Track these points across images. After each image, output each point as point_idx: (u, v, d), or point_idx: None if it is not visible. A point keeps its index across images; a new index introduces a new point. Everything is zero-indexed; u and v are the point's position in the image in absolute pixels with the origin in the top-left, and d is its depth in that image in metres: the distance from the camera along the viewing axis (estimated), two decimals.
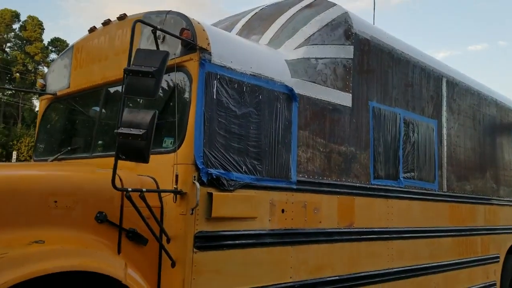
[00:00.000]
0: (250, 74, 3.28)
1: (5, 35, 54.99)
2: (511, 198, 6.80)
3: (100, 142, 3.74)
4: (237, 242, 3.10)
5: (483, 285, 5.92)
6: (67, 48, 4.32)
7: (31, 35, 54.69)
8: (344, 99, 4.04)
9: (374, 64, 4.43)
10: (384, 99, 4.53)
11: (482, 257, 5.94)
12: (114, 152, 3.24)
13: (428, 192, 5.04)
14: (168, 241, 2.87)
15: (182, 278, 2.81)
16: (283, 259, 3.42)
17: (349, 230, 3.99)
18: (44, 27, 56.89)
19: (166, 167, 2.94)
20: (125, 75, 2.41)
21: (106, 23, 3.80)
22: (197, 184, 2.85)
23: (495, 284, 6.18)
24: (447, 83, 5.51)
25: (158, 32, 3.08)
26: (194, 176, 2.88)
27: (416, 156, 4.89)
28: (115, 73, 3.54)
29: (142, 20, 2.71)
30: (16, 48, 55.51)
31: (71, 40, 56.11)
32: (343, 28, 4.10)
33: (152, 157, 3.01)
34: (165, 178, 2.94)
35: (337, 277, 3.83)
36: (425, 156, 5.04)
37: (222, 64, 3.10)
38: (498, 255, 6.32)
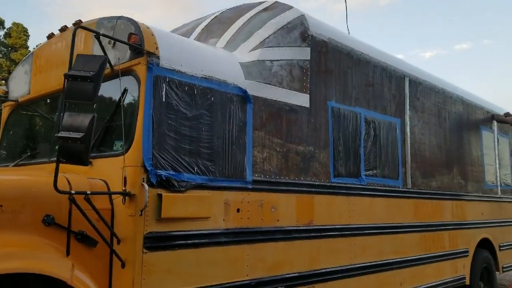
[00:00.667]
0: (201, 77, 3.35)
1: None
2: (479, 194, 6.93)
3: (57, 147, 3.78)
4: (189, 242, 3.16)
5: (451, 279, 6.04)
6: (27, 55, 4.37)
7: (16, 42, 54.21)
8: (301, 99, 4.12)
9: (333, 65, 4.52)
10: (344, 99, 4.62)
11: (450, 252, 6.06)
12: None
13: (392, 189, 5.13)
14: (119, 242, 2.93)
15: (132, 279, 2.86)
16: (239, 258, 3.49)
17: (308, 227, 4.07)
18: (30, 33, 56.46)
19: (117, 170, 2.99)
20: (65, 80, 2.47)
21: (63, 29, 3.85)
22: (146, 185, 2.91)
23: (464, 278, 6.30)
24: (410, 82, 5.63)
25: (113, 36, 3.16)
26: (143, 178, 2.94)
27: (378, 154, 4.99)
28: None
29: (83, 26, 2.78)
30: (1, 56, 55.13)
31: None
32: (299, 31, 4.19)
33: (104, 160, 3.09)
34: (116, 180, 3.00)
35: (296, 274, 3.91)
36: (388, 154, 5.14)
37: (171, 68, 3.16)
38: (467, 250, 6.44)
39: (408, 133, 5.52)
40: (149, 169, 2.95)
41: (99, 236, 2.79)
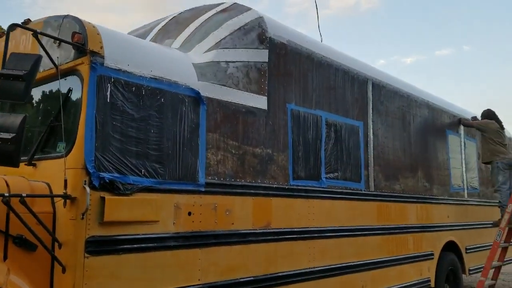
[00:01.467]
0: (150, 77, 3.29)
1: None
2: (445, 197, 6.99)
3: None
4: (135, 246, 3.09)
5: (416, 281, 6.06)
6: None
7: None
8: (258, 101, 4.09)
9: (292, 67, 4.49)
10: (304, 101, 4.60)
11: (414, 255, 6.08)
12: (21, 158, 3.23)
13: (354, 191, 5.13)
14: (60, 246, 2.84)
15: (73, 284, 2.78)
16: (190, 262, 3.42)
17: (265, 231, 4.02)
18: None
19: (60, 172, 2.90)
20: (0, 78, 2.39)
21: (13, 29, 3.74)
22: (87, 188, 2.84)
23: (429, 281, 6.33)
24: (374, 85, 5.65)
25: (58, 35, 3.09)
26: (85, 181, 2.86)
27: (340, 157, 4.98)
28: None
29: (18, 24, 2.70)
30: None
31: None
32: (257, 32, 4.16)
33: (47, 162, 3.01)
34: (59, 183, 2.91)
35: (251, 278, 3.86)
36: (350, 157, 5.13)
37: (116, 67, 3.10)
38: (432, 252, 6.48)
39: (371, 136, 5.53)
40: (91, 171, 2.88)
41: (37, 241, 2.70)
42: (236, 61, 3.94)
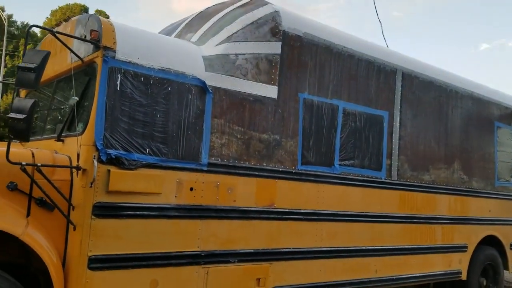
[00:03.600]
0: (158, 69, 3.77)
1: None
2: (488, 190, 6.82)
3: (48, 126, 4.39)
4: (138, 213, 3.62)
5: (442, 272, 6.09)
6: (39, 45, 5.02)
7: None
8: (268, 91, 4.43)
9: (307, 58, 4.75)
10: (319, 91, 4.84)
11: (442, 246, 6.10)
12: (54, 135, 3.91)
13: (372, 179, 5.29)
14: (73, 208, 3.45)
15: (80, 240, 3.38)
16: (190, 231, 3.91)
17: (268, 209, 4.39)
18: (115, 20, 59.58)
19: (76, 148, 3.51)
20: (16, 70, 2.99)
21: (58, 24, 4.43)
22: (95, 162, 3.40)
23: (459, 273, 6.31)
24: (403, 75, 5.69)
25: (81, 32, 3.69)
26: (94, 156, 3.43)
27: (358, 145, 5.16)
28: (60, 67, 4.18)
29: (36, 25, 3.30)
30: None
31: None
32: (269, 26, 4.47)
33: (70, 139, 3.64)
34: (76, 156, 3.52)
35: (251, 250, 4.26)
36: (371, 146, 5.29)
37: (127, 60, 3.62)
38: (466, 245, 6.43)
39: (397, 126, 5.61)
40: (99, 148, 3.44)
41: (52, 203, 3.32)
42: (246, 53, 4.30)
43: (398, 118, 5.63)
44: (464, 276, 6.37)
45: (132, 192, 3.61)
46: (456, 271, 6.28)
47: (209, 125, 4.03)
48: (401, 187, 5.61)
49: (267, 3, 4.60)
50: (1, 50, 29.87)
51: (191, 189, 3.92)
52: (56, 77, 4.34)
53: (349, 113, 5.10)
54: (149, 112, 3.71)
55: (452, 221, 6.25)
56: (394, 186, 5.53)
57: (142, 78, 3.69)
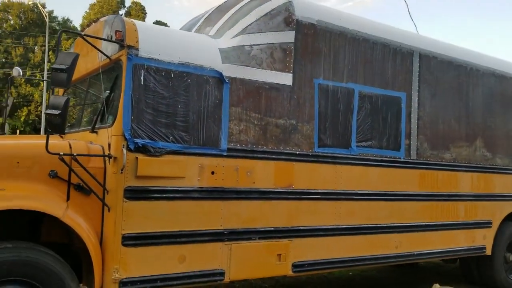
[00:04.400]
0: (178, 63, 4.10)
1: None
2: None
3: (84, 119, 4.83)
4: (164, 195, 4.00)
5: (466, 247, 6.23)
6: (73, 43, 5.45)
7: (135, 19, 58.60)
8: (283, 78, 4.68)
9: (321, 45, 4.96)
10: (334, 76, 5.06)
11: (465, 222, 6.22)
12: (89, 127, 4.33)
13: (390, 159, 5.48)
14: (107, 192, 3.86)
15: (114, 220, 3.79)
16: (212, 211, 4.26)
17: (287, 190, 4.68)
18: (151, 11, 60.38)
19: (107, 138, 3.91)
20: (51, 70, 3.39)
21: (89, 24, 4.83)
22: (124, 150, 3.79)
23: (484, 248, 6.42)
24: (421, 56, 5.80)
25: (107, 32, 4.06)
26: (123, 145, 3.82)
27: (375, 126, 5.35)
28: (92, 65, 4.59)
29: (66, 30, 3.68)
30: None
31: (172, 23, 59.71)
32: (283, 16, 4.71)
33: (103, 130, 4.04)
34: (107, 146, 3.92)
35: (272, 228, 4.58)
36: (388, 127, 5.47)
37: (149, 57, 3.96)
38: (490, 221, 6.52)
39: (416, 107, 5.75)
40: (127, 137, 3.82)
41: (87, 187, 3.74)
42: (260, 44, 4.57)
43: (416, 99, 5.76)
44: (488, 251, 6.47)
45: (158, 177, 3.98)
46: (480, 246, 6.39)
47: (227, 113, 4.34)
48: (421, 166, 5.76)
49: None
50: (44, 46, 31.23)
51: (212, 172, 4.26)
52: (88, 74, 4.75)
53: (365, 96, 5.29)
54: (171, 103, 4.06)
55: (475, 198, 6.34)
56: (414, 165, 5.70)
57: (164, 73, 4.03)
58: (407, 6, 8.90)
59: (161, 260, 3.98)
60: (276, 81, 4.65)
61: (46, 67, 28.78)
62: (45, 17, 31.44)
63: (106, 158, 3.90)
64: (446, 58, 6.09)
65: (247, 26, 4.58)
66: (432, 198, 5.87)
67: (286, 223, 4.68)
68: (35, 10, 44.84)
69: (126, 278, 3.80)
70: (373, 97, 5.36)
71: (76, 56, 3.42)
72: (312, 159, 4.87)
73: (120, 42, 3.88)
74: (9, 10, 51.52)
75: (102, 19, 4.47)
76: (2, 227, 3.67)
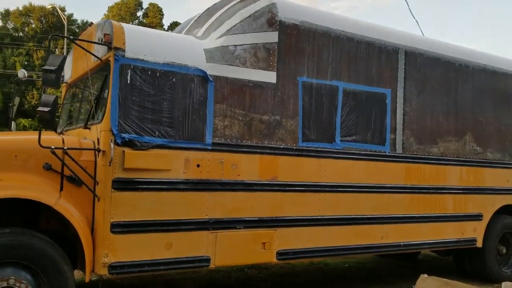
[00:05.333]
0: (163, 63, 4.39)
1: (131, 23, 60.57)
2: (505, 161, 6.96)
3: (81, 117, 5.16)
4: (151, 186, 4.30)
5: (455, 239, 6.39)
6: (73, 47, 5.80)
7: (153, 21, 59.70)
8: (266, 76, 4.94)
9: (305, 45, 5.20)
10: (318, 74, 5.28)
11: (455, 214, 6.38)
12: (82, 124, 4.65)
13: (375, 153, 5.68)
14: (97, 183, 4.18)
15: (103, 209, 4.10)
16: (198, 202, 4.54)
17: (271, 182, 4.94)
18: (167, 12, 61.13)
19: (98, 133, 4.23)
20: (42, 71, 3.72)
21: (85, 28, 5.16)
22: (112, 144, 4.09)
23: (475, 241, 6.57)
24: (407, 54, 5.99)
25: (99, 35, 4.38)
26: (111, 139, 4.12)
27: (359, 122, 5.56)
28: (88, 66, 4.90)
29: (57, 34, 4.01)
30: None
31: None
32: (266, 17, 4.96)
33: (95, 126, 4.36)
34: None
35: (256, 218, 4.84)
36: (373, 122, 5.68)
37: (135, 57, 4.26)
38: (481, 214, 6.66)
39: (402, 103, 5.94)
40: (115, 133, 4.12)
41: (78, 179, 4.06)
42: (244, 44, 4.83)
43: (402, 95, 5.94)
44: (479, 244, 6.61)
45: (145, 169, 4.28)
46: (471, 238, 6.53)
47: (212, 110, 4.62)
48: (406, 159, 5.95)
49: None
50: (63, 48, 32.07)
51: (198, 165, 4.54)
52: (85, 74, 5.07)
53: (350, 93, 5.50)
54: (157, 100, 4.35)
55: (465, 191, 6.49)
56: (399, 159, 5.88)
57: (149, 72, 4.33)
58: (407, 3, 8.97)
59: (149, 246, 4.28)
60: (260, 79, 4.90)
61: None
62: (63, 20, 32.23)
63: (96, 152, 4.22)
64: (433, 54, 6.26)
65: (231, 27, 4.84)
66: (419, 191, 6.04)
67: (270, 213, 4.94)
68: (55, 13, 45.83)
69: (115, 262, 4.11)
70: (358, 94, 5.57)
71: (64, 58, 3.74)
72: (297, 153, 5.11)
73: (108, 44, 4.19)
74: (31, 14, 52.74)
75: (96, 23, 4.79)
76: (4, 216, 4.02)
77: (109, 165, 4.12)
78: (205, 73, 4.58)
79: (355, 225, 5.51)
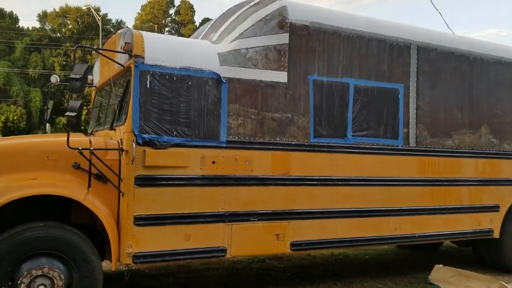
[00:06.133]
0: (180, 67, 4.73)
1: (163, 21, 61.71)
2: None
3: (108, 118, 5.57)
4: (170, 182, 4.65)
5: (471, 230, 6.51)
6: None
7: (184, 18, 60.59)
8: (278, 76, 5.20)
9: (315, 44, 5.43)
10: (329, 72, 5.51)
11: (470, 206, 6.49)
12: (109, 126, 5.05)
13: (388, 147, 5.87)
14: (122, 180, 4.57)
15: (127, 203, 4.49)
16: (214, 196, 4.87)
17: (284, 177, 5.22)
18: (198, 8, 61.85)
19: (121, 134, 4.61)
20: (69, 79, 4.12)
21: (110, 36, 5.56)
22: (134, 144, 4.47)
23: (491, 231, 6.66)
24: (419, 49, 6.12)
25: (121, 43, 4.75)
26: (133, 140, 4.50)
27: (372, 117, 5.76)
28: (113, 71, 5.31)
29: (81, 45, 4.38)
30: (173, 32, 62.10)
31: None
32: (277, 20, 5.22)
33: (120, 128, 4.74)
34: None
35: (270, 211, 5.14)
36: (385, 117, 5.86)
37: (154, 64, 4.61)
38: (498, 205, 6.72)
39: (414, 97, 6.08)
40: (136, 133, 4.50)
41: (104, 176, 4.45)
42: (255, 47, 5.10)
43: (415, 90, 6.09)
44: (496, 235, 6.69)
45: (164, 166, 4.64)
46: (487, 229, 6.62)
47: (226, 110, 4.93)
48: (420, 152, 6.10)
49: (275, 0, 5.34)
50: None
51: (213, 162, 4.87)
52: (112, 78, 5.48)
53: (361, 89, 5.70)
54: (174, 102, 4.70)
55: (481, 183, 6.58)
56: (412, 152, 6.04)
57: (167, 77, 4.67)
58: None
59: (169, 238, 4.65)
60: (271, 79, 5.17)
61: None
62: (98, 20, 33.24)
63: (120, 151, 4.60)
64: (446, 49, 6.36)
65: (243, 31, 5.13)
66: (433, 183, 6.18)
67: (283, 206, 5.22)
68: (90, 14, 47.20)
69: (138, 252, 4.50)
70: (369, 90, 5.76)
71: (88, 67, 4.12)
72: (308, 148, 5.37)
73: (129, 53, 4.56)
74: (67, 15, 54.46)
75: (119, 31, 5.17)
76: (38, 211, 4.46)
77: (132, 163, 4.49)
78: (218, 75, 4.89)
79: (367, 217, 5.72)
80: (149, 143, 4.57)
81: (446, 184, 6.30)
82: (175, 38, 5.17)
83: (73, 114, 4.04)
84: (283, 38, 5.24)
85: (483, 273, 6.26)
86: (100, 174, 4.49)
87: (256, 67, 5.10)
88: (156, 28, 53.90)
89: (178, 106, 4.72)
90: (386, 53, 5.90)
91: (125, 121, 4.60)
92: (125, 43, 4.60)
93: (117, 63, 4.77)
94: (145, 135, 4.54)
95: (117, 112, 4.92)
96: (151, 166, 4.58)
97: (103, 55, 4.67)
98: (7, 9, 59.80)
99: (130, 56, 4.60)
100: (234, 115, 4.98)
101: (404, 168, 5.99)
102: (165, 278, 6.22)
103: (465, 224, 6.46)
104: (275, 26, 5.22)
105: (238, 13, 5.46)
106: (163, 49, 4.74)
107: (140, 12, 62.01)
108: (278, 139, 5.21)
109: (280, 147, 5.21)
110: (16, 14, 55.68)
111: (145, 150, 4.54)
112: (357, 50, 5.71)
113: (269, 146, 5.16)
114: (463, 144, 6.46)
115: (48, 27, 55.13)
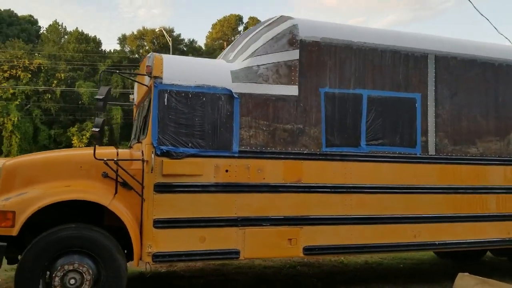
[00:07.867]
0: (195, 85, 5.26)
1: (232, 37, 63.72)
2: None
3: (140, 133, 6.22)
4: (186, 189, 5.16)
5: (500, 239, 6.40)
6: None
7: None
8: (289, 90, 5.57)
9: (326, 59, 5.74)
10: (341, 84, 5.78)
11: (498, 214, 6.39)
12: (142, 140, 5.69)
13: (404, 155, 5.99)
14: (143, 187, 5.14)
15: (147, 208, 5.05)
16: (228, 202, 5.31)
17: (296, 184, 5.54)
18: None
19: (144, 146, 5.21)
20: (96, 99, 4.78)
21: (142, 59, 6.22)
22: (153, 155, 5.04)
23: None
24: (437, 58, 6.21)
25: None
26: (153, 151, 5.07)
27: (387, 126, 5.93)
28: (143, 91, 5.96)
29: (106, 70, 5.05)
30: None
31: None
32: (287, 38, 5.60)
33: (143, 140, 5.34)
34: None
35: (281, 217, 5.47)
36: (401, 126, 6.00)
37: (171, 83, 5.18)
38: None
39: (433, 106, 6.16)
40: (155, 145, 5.07)
41: (136, 184, 5.04)
42: (266, 63, 5.51)
43: (433, 98, 6.17)
44: None
45: (180, 175, 5.16)
46: None
47: (238, 122, 5.37)
48: (440, 160, 6.14)
49: (287, 19, 5.73)
50: None
51: (226, 170, 5.31)
52: (143, 98, 6.14)
53: (375, 99, 5.90)
54: (190, 117, 5.22)
55: (510, 191, 6.45)
56: (431, 160, 6.10)
57: (183, 94, 5.22)
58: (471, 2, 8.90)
59: (185, 239, 5.14)
60: (282, 92, 5.55)
61: None
62: (168, 41, 35.19)
63: (143, 161, 5.19)
64: (467, 57, 6.37)
65: (255, 50, 5.57)
66: (454, 191, 6.18)
67: (295, 212, 5.53)
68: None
69: (157, 252, 5.03)
70: (383, 100, 5.94)
71: (109, 89, 4.77)
72: (320, 157, 5.65)
73: (149, 75, 5.16)
74: (144, 37, 57.87)
75: (147, 55, 5.81)
76: (76, 215, 5.14)
77: (151, 172, 5.06)
78: (230, 91, 5.36)
79: (383, 224, 5.86)
80: (167, 154, 5.11)
81: (470, 192, 6.27)
82: (192, 59, 5.72)
83: (96, 129, 4.69)
84: (294, 54, 5.61)
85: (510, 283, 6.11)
86: (124, 182, 5.10)
87: (267, 82, 5.51)
88: (225, 45, 55.79)
89: (193, 120, 5.24)
90: (401, 63, 6.05)
91: (146, 135, 5.19)
92: (147, 66, 5.21)
93: (142, 84, 5.40)
94: (163, 147, 5.10)
95: (142, 126, 5.53)
96: (168, 175, 5.11)
97: (127, 77, 5.31)
98: (91, 34, 64.73)
99: (150, 78, 5.20)
100: (246, 127, 5.41)
101: (422, 176, 6.07)
102: (197, 280, 6.72)
103: (493, 232, 6.36)
104: (285, 44, 5.60)
105: (254, 32, 5.91)
106: (179, 70, 5.30)
107: (210, 30, 64.40)
108: (290, 149, 5.55)
109: (292, 156, 5.55)
110: (99, 38, 60.10)
111: (163, 160, 5.09)
112: (370, 62, 5.93)
113: (281, 156, 5.51)
114: (488, 151, 6.40)
115: (127, 49, 58.94)
